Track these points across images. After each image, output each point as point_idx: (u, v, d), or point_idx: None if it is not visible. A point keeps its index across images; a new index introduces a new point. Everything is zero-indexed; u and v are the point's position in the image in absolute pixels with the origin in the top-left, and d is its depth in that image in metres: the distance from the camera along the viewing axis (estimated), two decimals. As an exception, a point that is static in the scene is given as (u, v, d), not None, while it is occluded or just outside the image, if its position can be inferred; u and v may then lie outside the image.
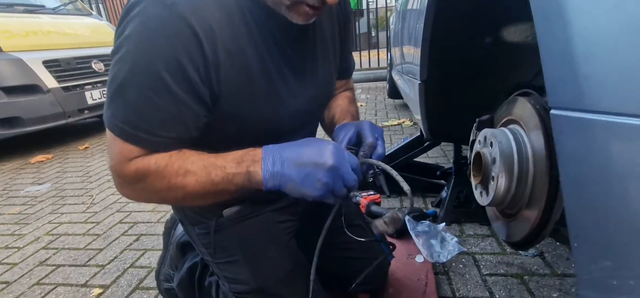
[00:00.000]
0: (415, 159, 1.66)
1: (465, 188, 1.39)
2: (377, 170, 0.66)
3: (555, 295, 0.96)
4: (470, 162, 0.79)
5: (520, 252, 1.16)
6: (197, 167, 0.57)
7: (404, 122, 2.99)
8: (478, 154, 0.72)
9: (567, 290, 0.98)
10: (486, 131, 0.72)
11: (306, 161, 0.55)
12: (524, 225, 0.65)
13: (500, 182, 0.64)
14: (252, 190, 0.59)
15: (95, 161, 2.74)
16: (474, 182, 0.75)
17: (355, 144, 0.69)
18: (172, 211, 1.08)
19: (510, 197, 0.65)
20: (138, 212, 1.78)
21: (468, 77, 1.01)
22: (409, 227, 1.25)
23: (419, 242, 1.20)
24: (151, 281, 1.20)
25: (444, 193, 1.45)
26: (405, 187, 0.61)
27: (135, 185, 0.58)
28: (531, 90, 0.65)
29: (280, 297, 0.73)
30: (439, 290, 1.01)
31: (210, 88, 0.57)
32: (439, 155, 2.19)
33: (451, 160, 2.04)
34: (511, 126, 0.70)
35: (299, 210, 0.83)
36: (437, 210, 1.46)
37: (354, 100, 0.92)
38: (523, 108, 0.65)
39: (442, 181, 1.58)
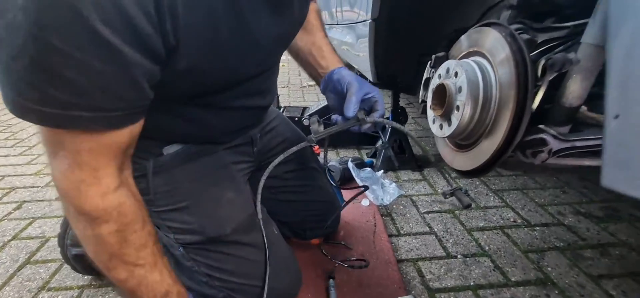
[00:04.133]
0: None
1: (399, 138, 1.46)
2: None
3: (481, 224, 1.09)
4: (424, 98, 0.80)
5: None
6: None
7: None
8: (441, 86, 0.72)
9: (490, 218, 1.11)
10: (449, 62, 0.72)
11: None
12: (483, 153, 0.68)
13: (465, 110, 0.65)
14: (200, 127, 0.52)
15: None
16: (434, 114, 0.75)
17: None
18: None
19: (472, 125, 0.67)
20: (15, 176, 1.41)
21: (415, 17, 1.00)
22: (354, 174, 1.25)
23: (364, 187, 1.22)
24: (48, 252, 0.96)
25: (379, 143, 1.49)
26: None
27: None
28: (496, 20, 0.66)
29: (239, 244, 0.63)
30: (386, 229, 1.04)
31: (164, 38, 0.40)
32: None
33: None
34: (473, 58, 0.71)
35: (255, 150, 0.72)
36: (374, 159, 1.50)
37: (321, 16, 0.83)
38: (489, 37, 0.66)
39: (377, 133, 1.63)
